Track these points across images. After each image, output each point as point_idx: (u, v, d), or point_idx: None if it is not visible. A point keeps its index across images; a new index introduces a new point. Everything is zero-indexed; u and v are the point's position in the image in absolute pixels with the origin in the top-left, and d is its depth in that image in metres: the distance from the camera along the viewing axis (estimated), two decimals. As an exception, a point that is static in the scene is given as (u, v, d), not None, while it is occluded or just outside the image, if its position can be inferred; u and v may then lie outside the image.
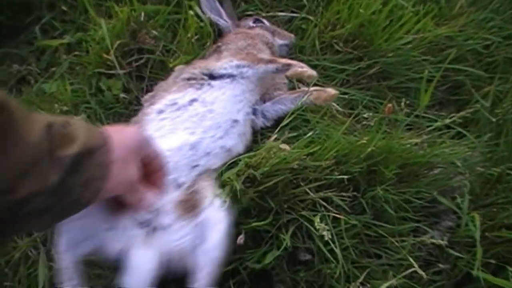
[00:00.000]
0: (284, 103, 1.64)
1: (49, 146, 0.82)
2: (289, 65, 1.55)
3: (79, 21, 1.89)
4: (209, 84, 1.54)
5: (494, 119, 1.71)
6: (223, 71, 1.56)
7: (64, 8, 1.91)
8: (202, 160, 1.43)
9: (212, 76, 1.56)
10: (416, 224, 1.48)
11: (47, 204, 0.83)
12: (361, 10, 1.78)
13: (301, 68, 1.55)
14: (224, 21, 1.84)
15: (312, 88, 1.64)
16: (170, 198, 1.35)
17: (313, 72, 1.55)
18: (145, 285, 1.23)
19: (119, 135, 0.99)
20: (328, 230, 1.32)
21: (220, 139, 1.47)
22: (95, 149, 0.90)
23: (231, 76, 1.56)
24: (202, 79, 1.55)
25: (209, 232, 1.28)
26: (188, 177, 1.40)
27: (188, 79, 1.56)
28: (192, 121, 1.45)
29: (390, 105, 1.58)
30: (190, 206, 1.34)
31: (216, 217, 1.30)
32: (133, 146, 1.03)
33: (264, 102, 1.67)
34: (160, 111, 1.48)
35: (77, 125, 0.90)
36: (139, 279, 1.23)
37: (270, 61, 1.57)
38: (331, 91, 1.64)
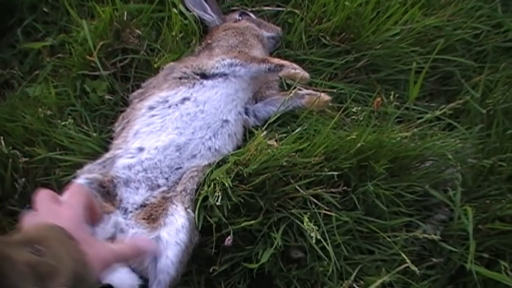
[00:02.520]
0: (276, 105, 1.61)
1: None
2: (281, 66, 1.53)
3: (61, 22, 1.85)
4: (201, 83, 1.52)
5: (484, 111, 1.69)
6: (215, 71, 1.54)
7: (45, 9, 1.86)
8: (186, 163, 1.42)
9: (205, 76, 1.54)
10: (409, 219, 1.47)
11: None
12: (347, 3, 1.75)
13: (294, 69, 1.52)
14: (209, 15, 1.81)
15: (305, 91, 1.62)
16: (141, 197, 1.37)
17: (305, 74, 1.52)
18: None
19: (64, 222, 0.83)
20: (317, 230, 1.30)
21: (208, 140, 1.46)
22: (80, 277, 0.77)
23: (223, 75, 1.54)
24: (194, 78, 1.52)
25: (164, 250, 1.28)
26: (167, 180, 1.40)
27: (180, 78, 1.53)
28: (183, 121, 1.44)
29: (379, 99, 1.56)
30: (153, 216, 1.35)
31: (173, 239, 1.29)
32: (78, 222, 0.87)
33: (256, 101, 1.65)
34: (151, 108, 1.47)
35: (53, 251, 0.75)
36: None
37: (263, 61, 1.55)
38: (324, 96, 1.60)
